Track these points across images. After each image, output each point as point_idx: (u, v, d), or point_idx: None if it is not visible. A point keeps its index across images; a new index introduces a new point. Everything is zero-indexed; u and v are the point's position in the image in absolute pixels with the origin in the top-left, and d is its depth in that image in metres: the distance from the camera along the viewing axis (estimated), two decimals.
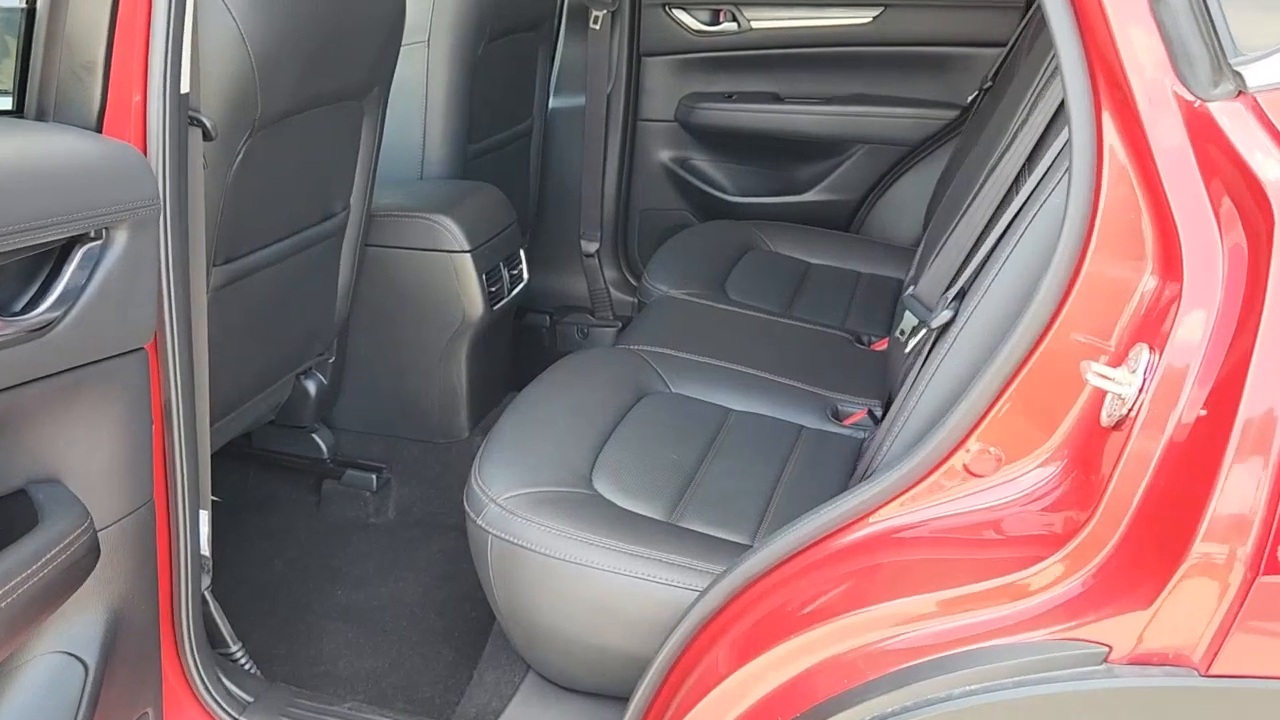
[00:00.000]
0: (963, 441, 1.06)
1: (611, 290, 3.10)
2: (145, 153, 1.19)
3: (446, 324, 2.22)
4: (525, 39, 2.71)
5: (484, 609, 1.60)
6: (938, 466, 1.08)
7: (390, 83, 1.98)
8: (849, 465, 1.78)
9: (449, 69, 2.37)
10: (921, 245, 2.18)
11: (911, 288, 1.83)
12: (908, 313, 1.83)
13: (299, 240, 1.85)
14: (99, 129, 1.17)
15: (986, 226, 1.43)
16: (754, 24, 2.85)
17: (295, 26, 1.61)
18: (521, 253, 2.40)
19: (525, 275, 2.40)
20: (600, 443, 1.70)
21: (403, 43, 2.28)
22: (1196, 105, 0.92)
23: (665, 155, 3.04)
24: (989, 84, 2.60)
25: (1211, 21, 0.90)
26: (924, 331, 1.21)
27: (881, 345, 2.22)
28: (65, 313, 1.10)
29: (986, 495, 1.06)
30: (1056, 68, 1.76)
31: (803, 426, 1.87)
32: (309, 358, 2.10)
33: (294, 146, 1.74)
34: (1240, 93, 0.91)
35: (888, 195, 2.91)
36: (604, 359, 1.99)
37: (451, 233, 2.16)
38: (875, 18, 2.77)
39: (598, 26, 2.84)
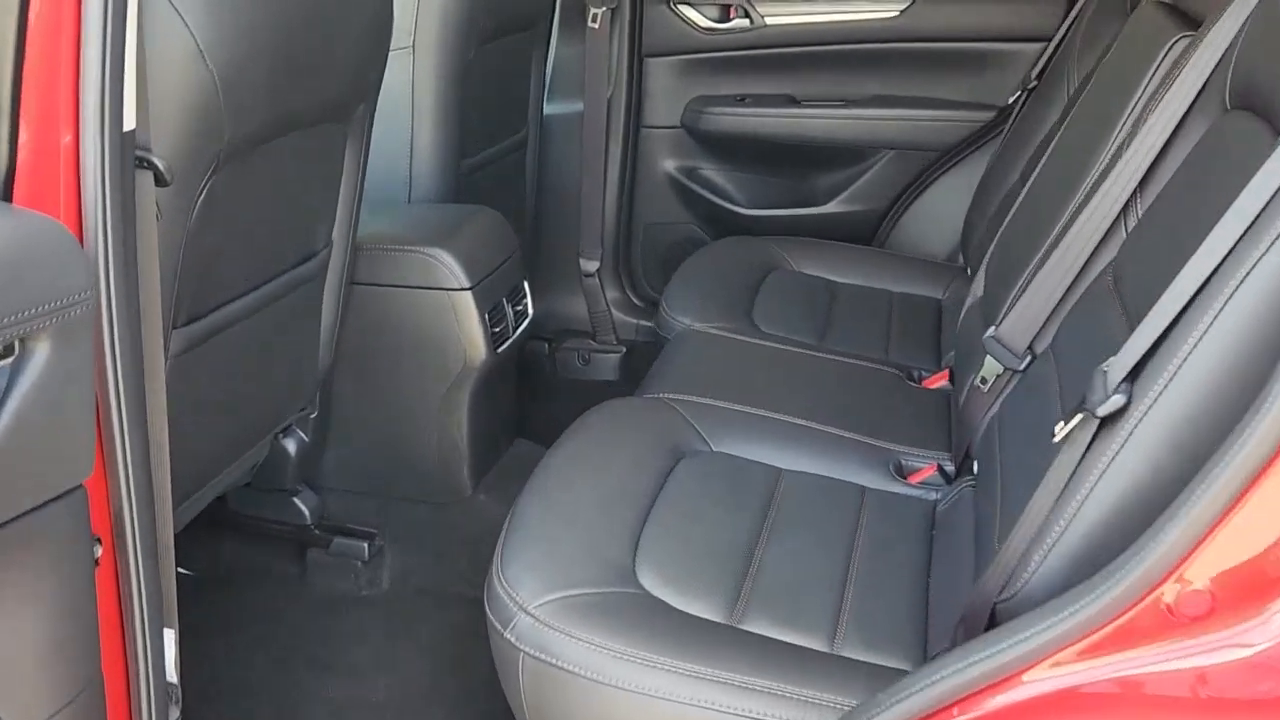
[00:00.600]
0: (1170, 573, 0.81)
1: (614, 312, 2.84)
2: (79, 215, 0.90)
3: (445, 370, 1.95)
4: (518, 40, 2.43)
5: (501, 700, 1.33)
6: (1133, 605, 0.83)
7: (376, 100, 1.73)
8: (925, 536, 1.54)
9: (437, 77, 2.10)
10: (983, 273, 1.93)
11: (992, 329, 1.58)
12: (988, 358, 1.59)
13: (275, 288, 1.59)
14: (6, 196, 0.89)
15: (1114, 280, 1.19)
16: (768, 20, 2.59)
17: (265, 37, 1.34)
18: (525, 285, 2.13)
19: (530, 310, 2.13)
20: (639, 523, 1.44)
21: (393, 47, 2.01)
22: None
23: (671, 165, 2.78)
24: (1033, 83, 2.36)
25: None
26: (1079, 417, 0.96)
27: (935, 382, 1.98)
28: None
29: (1203, 646, 0.82)
30: (1164, 77, 1.53)
31: (865, 488, 1.62)
32: (289, 415, 1.83)
33: (266, 181, 1.49)
34: None
35: (916, 206, 2.67)
36: (632, 414, 1.73)
37: (448, 267, 1.89)
38: (903, 11, 2.52)
39: (596, 25, 2.58)
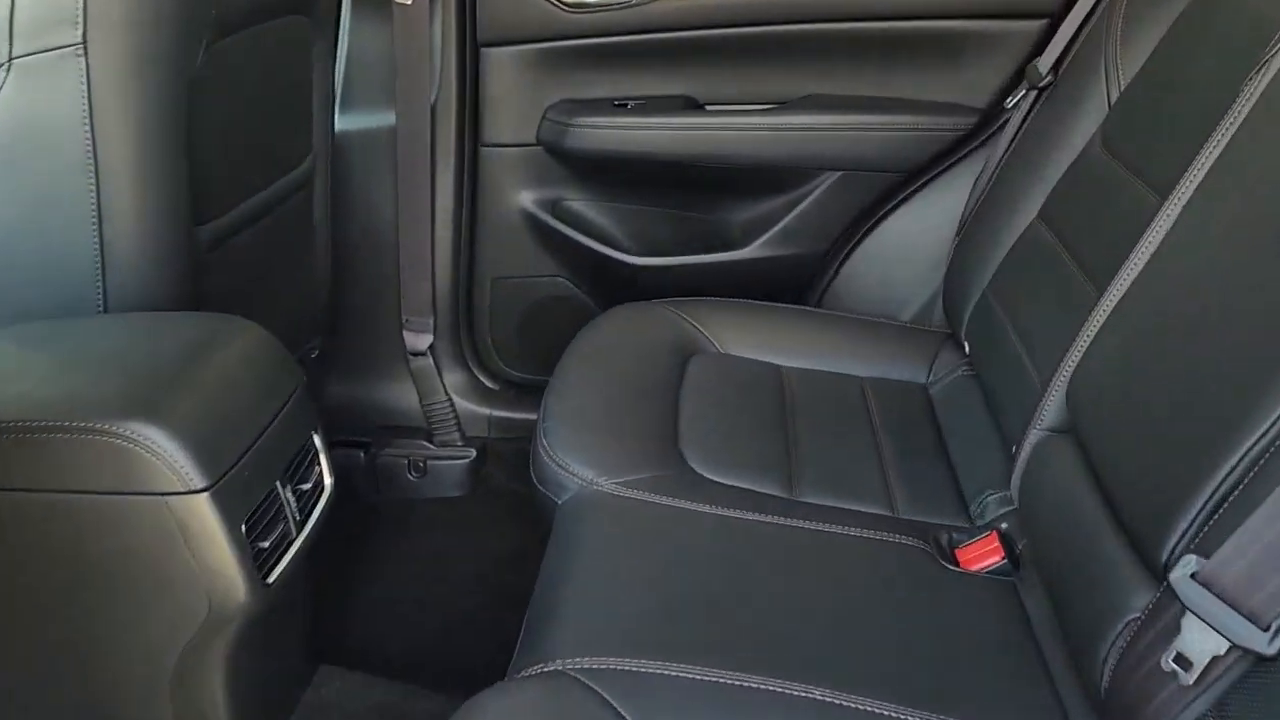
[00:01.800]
0: None
1: (457, 400, 2.05)
2: None
3: (171, 626, 1.09)
4: (286, 30, 1.56)
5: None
6: None
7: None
8: None
9: (139, 98, 1.21)
10: (1008, 352, 1.26)
11: (1193, 568, 0.85)
12: (1187, 628, 0.86)
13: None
14: None
15: None
16: None
17: None
18: (316, 438, 1.27)
19: (328, 482, 1.28)
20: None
21: (32, 50, 1.14)
22: None
23: (525, 197, 1.98)
24: (1048, 79, 1.67)
25: None
26: None
27: (980, 558, 1.26)
28: None
29: None
30: None
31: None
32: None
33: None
34: None
35: (872, 247, 1.95)
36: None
37: (161, 457, 1.03)
38: None
39: (408, 0, 1.75)
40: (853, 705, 0.98)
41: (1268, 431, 0.86)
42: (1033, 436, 1.26)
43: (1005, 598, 1.20)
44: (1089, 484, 1.09)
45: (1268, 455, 0.85)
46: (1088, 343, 1.21)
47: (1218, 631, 0.82)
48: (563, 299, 2.05)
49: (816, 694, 0.98)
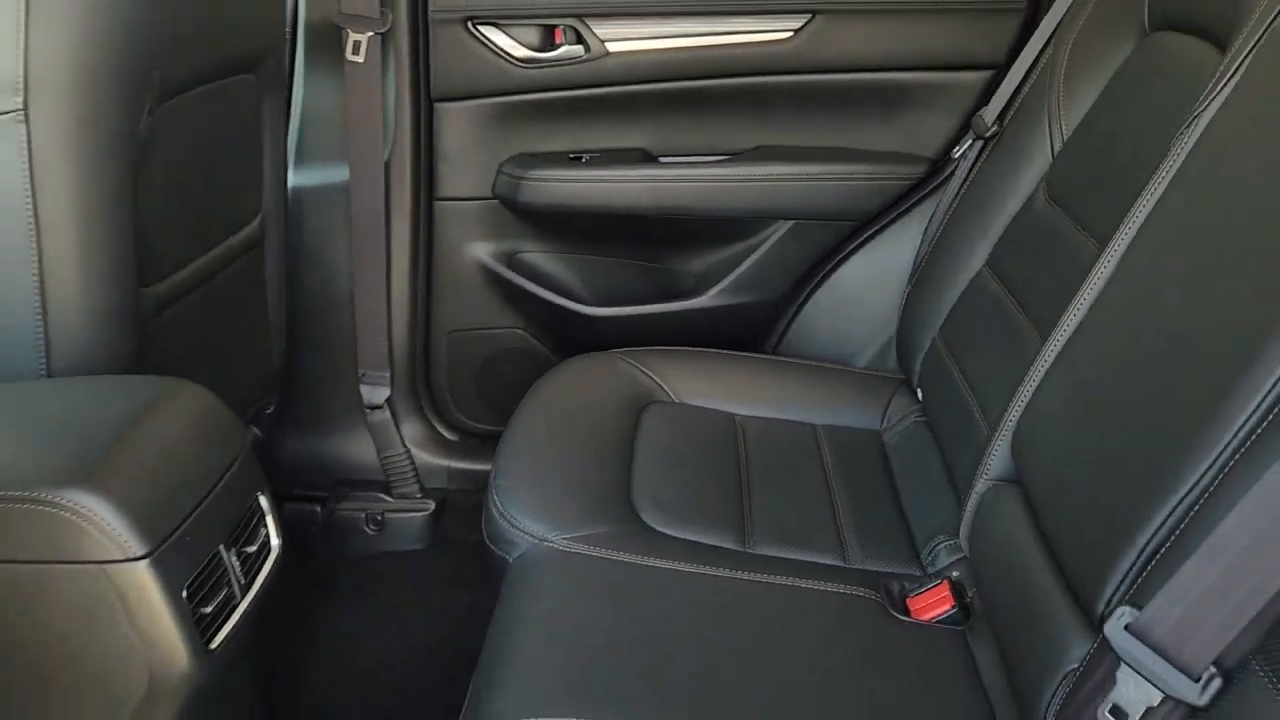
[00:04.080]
0: None
1: (415, 452, 2.04)
2: None
3: (113, 701, 1.07)
4: (233, 89, 1.56)
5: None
6: None
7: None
8: None
9: (80, 160, 1.21)
10: (957, 400, 1.27)
11: (1127, 619, 0.86)
12: (1128, 684, 0.86)
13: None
14: None
15: None
16: (609, 46, 1.82)
17: None
18: (263, 500, 1.26)
19: (275, 542, 1.27)
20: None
21: None
22: None
23: (482, 250, 1.99)
24: (994, 128, 1.70)
25: None
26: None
27: (931, 608, 1.26)
28: None
29: None
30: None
31: None
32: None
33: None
34: None
35: (824, 294, 1.97)
36: None
37: (97, 524, 1.01)
38: (797, 31, 1.80)
39: (360, 57, 1.76)
40: None
41: (1199, 482, 0.87)
42: (980, 486, 1.26)
43: (955, 647, 1.20)
44: (1033, 534, 1.10)
45: (1198, 506, 0.86)
46: (1031, 392, 1.22)
47: (1151, 683, 0.82)
48: (520, 350, 2.05)
49: None
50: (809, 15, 1.78)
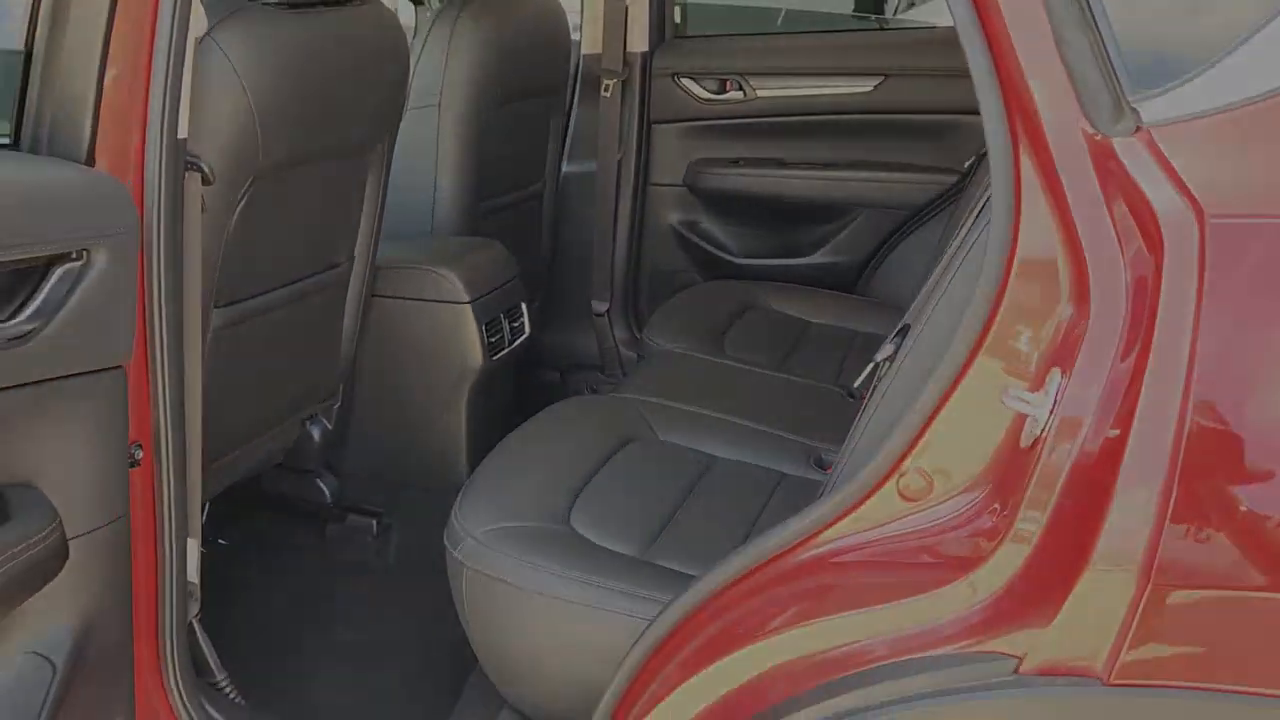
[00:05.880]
0: (896, 466, 1.10)
1: (621, 349, 3.16)
2: (142, 191, 1.28)
3: (447, 373, 2.29)
4: (537, 105, 2.82)
5: (469, 650, 1.64)
6: (873, 491, 1.12)
7: (394, 140, 2.07)
8: None
9: (458, 131, 2.49)
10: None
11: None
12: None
13: (300, 288, 1.91)
14: (89, 162, 1.26)
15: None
16: (759, 93, 2.95)
17: (297, 81, 1.71)
18: (524, 306, 2.47)
19: (527, 328, 2.48)
20: (581, 484, 1.75)
21: (415, 105, 2.41)
22: (1100, 139, 0.97)
23: (674, 218, 3.13)
24: (985, 150, 2.67)
25: (1110, 62, 0.96)
26: (871, 366, 1.25)
27: None
28: (43, 325, 1.18)
29: (919, 518, 1.10)
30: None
31: (784, 473, 1.90)
32: (312, 404, 2.17)
33: (297, 197, 1.81)
34: (1138, 128, 0.96)
35: (890, 258, 2.97)
36: (594, 405, 2.05)
37: (452, 284, 2.25)
38: (876, 87, 2.86)
39: (609, 94, 2.96)
40: None
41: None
42: None
43: None
44: None
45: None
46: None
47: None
48: (692, 283, 3.18)
49: None
50: (882, 77, 2.84)
